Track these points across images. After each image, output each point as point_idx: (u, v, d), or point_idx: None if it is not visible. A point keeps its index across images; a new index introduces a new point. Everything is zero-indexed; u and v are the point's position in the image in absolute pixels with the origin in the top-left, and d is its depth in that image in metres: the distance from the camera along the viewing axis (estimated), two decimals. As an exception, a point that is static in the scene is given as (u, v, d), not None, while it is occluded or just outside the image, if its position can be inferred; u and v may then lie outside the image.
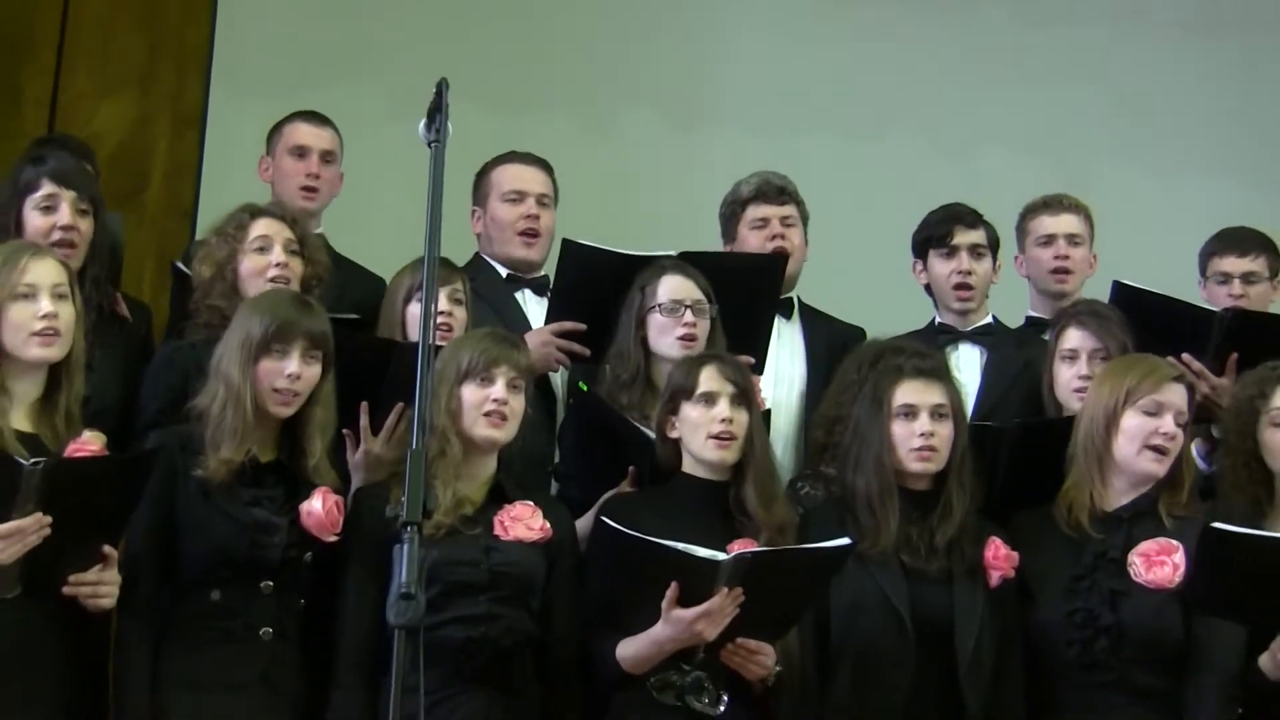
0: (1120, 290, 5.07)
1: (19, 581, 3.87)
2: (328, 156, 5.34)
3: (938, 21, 6.89)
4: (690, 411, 4.27)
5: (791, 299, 5.27)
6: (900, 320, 5.25)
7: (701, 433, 4.26)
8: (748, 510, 4.26)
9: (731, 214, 5.34)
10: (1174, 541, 4.27)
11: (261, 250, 4.63)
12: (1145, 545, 4.29)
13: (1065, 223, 5.46)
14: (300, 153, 5.32)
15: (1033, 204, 5.55)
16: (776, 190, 5.31)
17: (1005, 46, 6.93)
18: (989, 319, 5.38)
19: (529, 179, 5.26)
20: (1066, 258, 5.43)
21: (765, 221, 5.27)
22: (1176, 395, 4.36)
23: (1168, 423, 4.32)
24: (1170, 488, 4.37)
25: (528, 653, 4.16)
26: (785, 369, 5.16)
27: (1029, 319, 5.50)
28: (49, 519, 3.78)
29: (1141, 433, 4.33)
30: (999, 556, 4.35)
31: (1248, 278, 5.45)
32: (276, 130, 5.38)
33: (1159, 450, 4.32)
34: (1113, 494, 4.40)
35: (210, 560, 4.06)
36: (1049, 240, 5.45)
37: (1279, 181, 6.74)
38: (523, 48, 6.51)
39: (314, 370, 4.16)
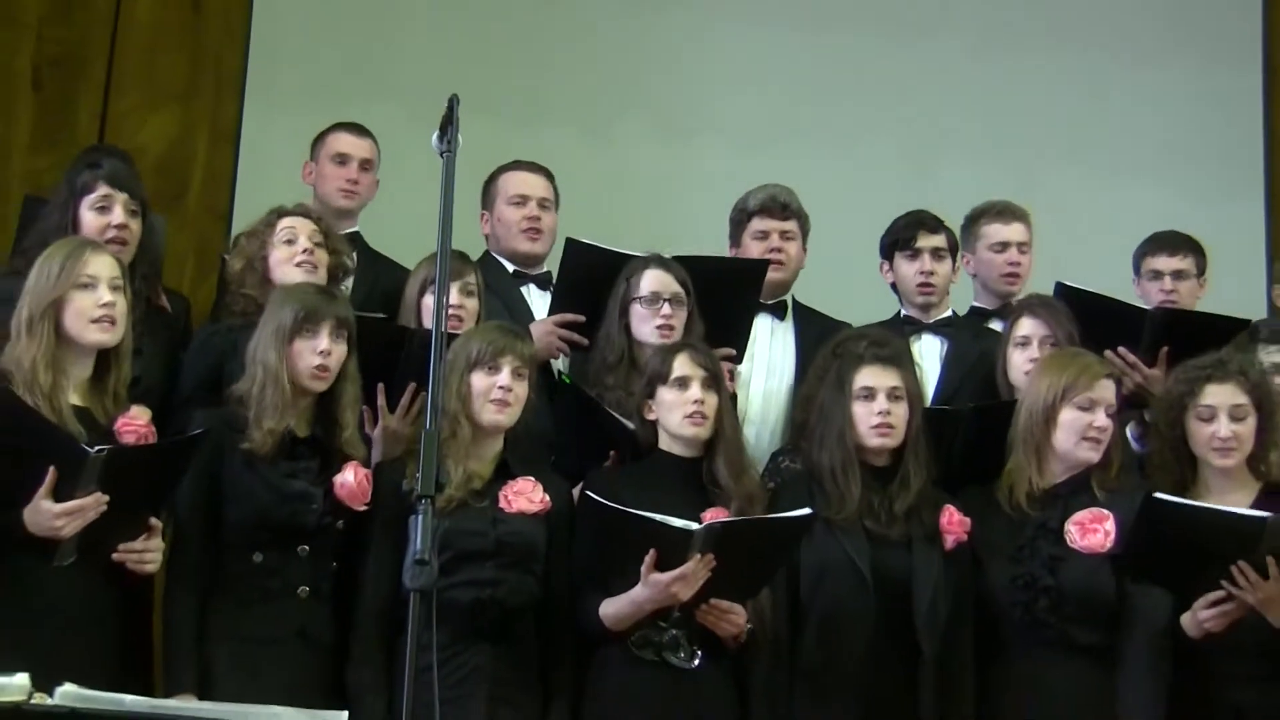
0: (1063, 290, 5.09)
1: (75, 550, 3.90)
2: (365, 164, 5.35)
3: (902, 47, 6.88)
4: (666, 394, 4.31)
5: (785, 301, 5.28)
6: (868, 314, 5.26)
7: (677, 413, 4.29)
8: (719, 482, 4.29)
9: (739, 221, 5.34)
10: (1105, 511, 4.32)
11: (289, 242, 4.64)
12: (1080, 515, 4.33)
13: (1017, 231, 5.47)
14: (342, 160, 5.32)
15: (983, 210, 5.55)
16: (780, 206, 5.30)
17: (961, 71, 6.90)
18: (949, 313, 5.39)
19: (532, 184, 5.27)
20: (1018, 264, 5.45)
21: (766, 234, 5.27)
22: (1108, 391, 4.42)
23: (1100, 416, 4.37)
24: (1101, 466, 4.40)
25: (529, 612, 4.17)
26: (778, 363, 5.17)
27: (973, 309, 5.52)
28: (106, 498, 3.82)
29: (1078, 426, 4.38)
30: (954, 522, 4.40)
31: (1177, 275, 5.49)
32: (320, 139, 5.39)
33: (1094, 440, 4.36)
34: (1050, 475, 4.44)
35: (253, 526, 4.09)
36: (1003, 247, 5.46)
37: (1205, 190, 6.75)
38: (525, 66, 6.50)
39: (342, 348, 4.21)
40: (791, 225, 5.31)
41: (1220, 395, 4.40)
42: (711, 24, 6.82)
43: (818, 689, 4.29)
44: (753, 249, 5.28)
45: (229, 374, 4.35)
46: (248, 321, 4.40)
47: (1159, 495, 4.22)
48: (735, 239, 5.36)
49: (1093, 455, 4.38)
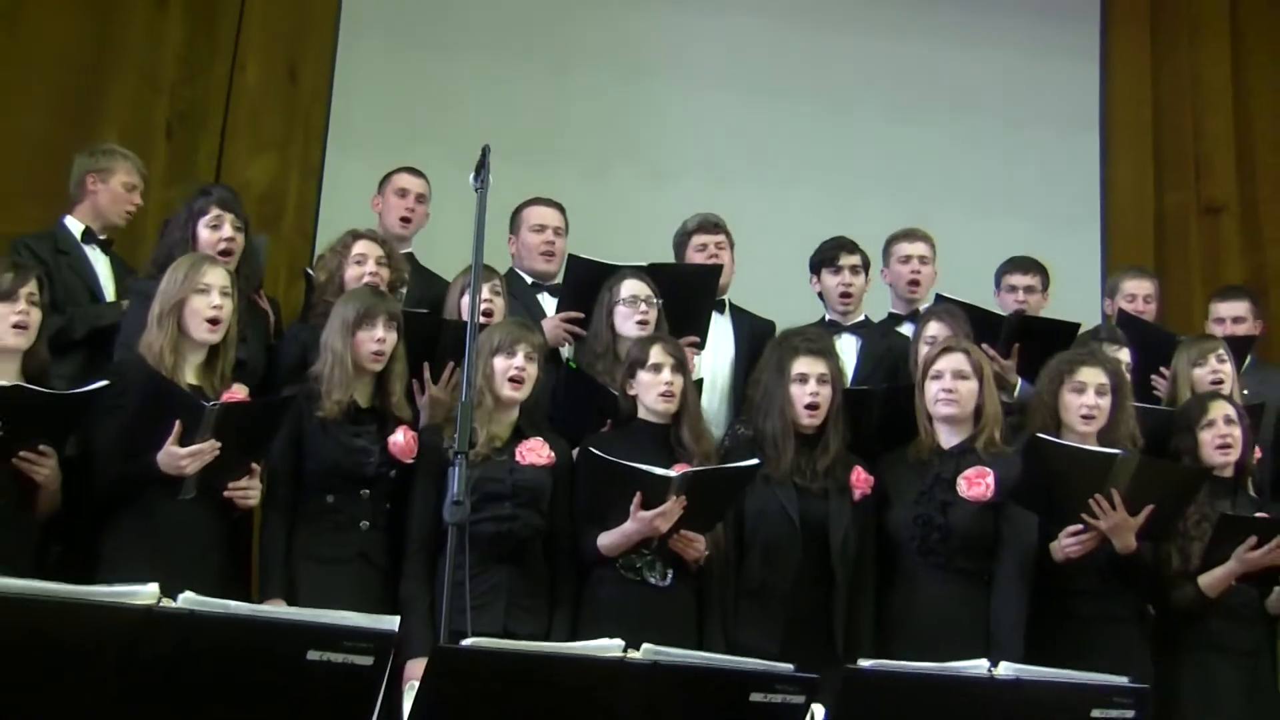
0: (940, 300, 5.12)
1: (195, 487, 3.92)
2: (421, 199, 5.32)
3: (830, 113, 6.87)
4: (644, 376, 4.32)
5: (724, 301, 5.25)
6: (801, 316, 5.22)
7: (652, 392, 4.30)
8: (684, 444, 4.30)
9: (681, 241, 5.32)
10: (988, 468, 4.32)
11: (359, 263, 4.67)
12: (968, 471, 4.33)
13: (918, 248, 5.46)
14: (402, 194, 5.29)
15: (895, 234, 5.54)
16: (712, 225, 5.29)
17: (873, 131, 6.90)
18: (863, 317, 5.37)
19: (549, 216, 5.24)
20: (919, 273, 5.43)
21: (705, 246, 5.25)
22: (951, 362, 4.42)
23: (947, 380, 4.38)
24: (982, 433, 4.40)
25: (538, 541, 4.18)
26: (721, 349, 5.13)
27: (890, 314, 5.49)
28: (219, 444, 3.84)
29: (932, 392, 4.41)
30: (861, 479, 4.41)
31: (1028, 289, 5.54)
32: (387, 177, 5.35)
33: (944, 400, 4.38)
34: (942, 438, 4.43)
35: (326, 474, 4.12)
36: (907, 260, 5.45)
37: (1053, 225, 6.77)
38: (542, 122, 6.47)
39: (393, 336, 4.22)
40: (722, 238, 5.28)
41: (1091, 375, 4.41)
42: (686, 92, 6.80)
43: (756, 604, 4.30)
44: (696, 259, 5.25)
45: (311, 361, 4.34)
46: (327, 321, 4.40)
47: (1041, 435, 4.29)
48: (679, 256, 5.33)
49: (945, 410, 4.39)
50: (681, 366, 4.35)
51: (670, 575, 4.17)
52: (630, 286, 4.70)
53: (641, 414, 4.34)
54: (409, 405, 4.35)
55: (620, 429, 4.39)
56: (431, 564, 4.06)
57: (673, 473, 4.03)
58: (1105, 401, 4.40)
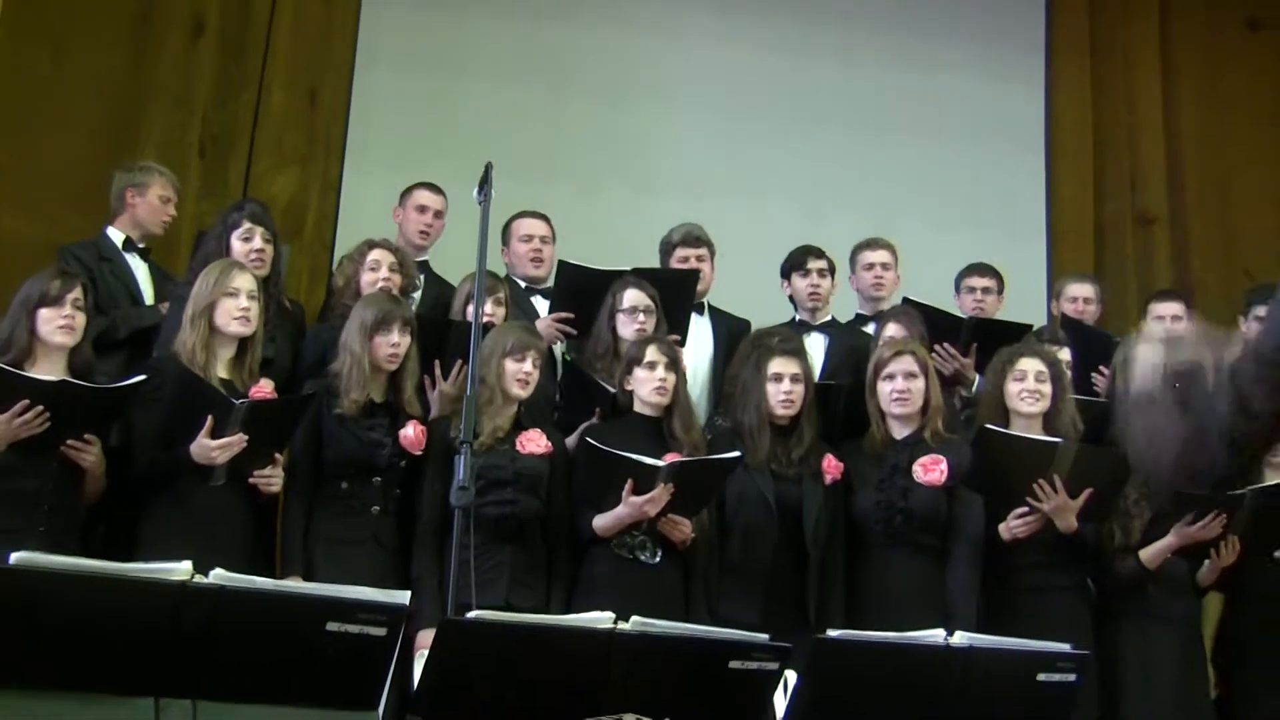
0: (907, 303, 5.09)
1: (224, 475, 3.93)
2: (438, 215, 5.26)
3: (802, 132, 6.83)
4: (640, 373, 4.30)
5: (704, 303, 5.22)
6: (773, 316, 5.22)
7: (647, 386, 4.28)
8: (675, 435, 4.28)
9: (666, 251, 5.28)
10: (940, 456, 4.32)
11: (374, 270, 4.65)
12: (923, 459, 4.32)
13: (881, 256, 5.41)
14: (421, 209, 5.23)
15: (860, 243, 5.49)
16: (694, 239, 5.24)
17: (842, 149, 6.88)
18: (829, 318, 5.33)
19: (536, 226, 5.20)
20: (881, 279, 5.39)
21: (687, 259, 5.21)
22: (902, 365, 4.40)
23: (899, 382, 4.37)
24: (929, 424, 4.39)
25: (538, 523, 4.16)
26: (701, 347, 5.09)
27: (858, 315, 5.45)
28: (246, 437, 3.85)
29: (885, 392, 4.40)
30: (831, 466, 4.39)
31: (985, 291, 5.50)
32: (409, 191, 5.30)
33: (898, 400, 4.38)
34: (895, 431, 4.43)
35: (342, 463, 4.09)
36: (871, 267, 5.41)
37: (1005, 235, 6.72)
38: (540, 143, 6.43)
39: (407, 339, 4.20)
40: (704, 251, 5.24)
41: (1029, 364, 4.41)
42: (671, 116, 6.77)
43: (737, 580, 4.28)
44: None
45: (330, 358, 4.33)
46: (345, 323, 4.38)
47: (989, 426, 4.28)
48: (664, 264, 5.29)
49: (899, 409, 4.38)
50: (675, 365, 4.33)
51: (660, 554, 4.15)
52: (631, 297, 4.67)
53: (637, 407, 4.32)
54: (419, 401, 4.32)
55: (618, 420, 4.37)
56: (440, 543, 4.03)
57: (661, 462, 4.02)
58: (1046, 388, 4.39)
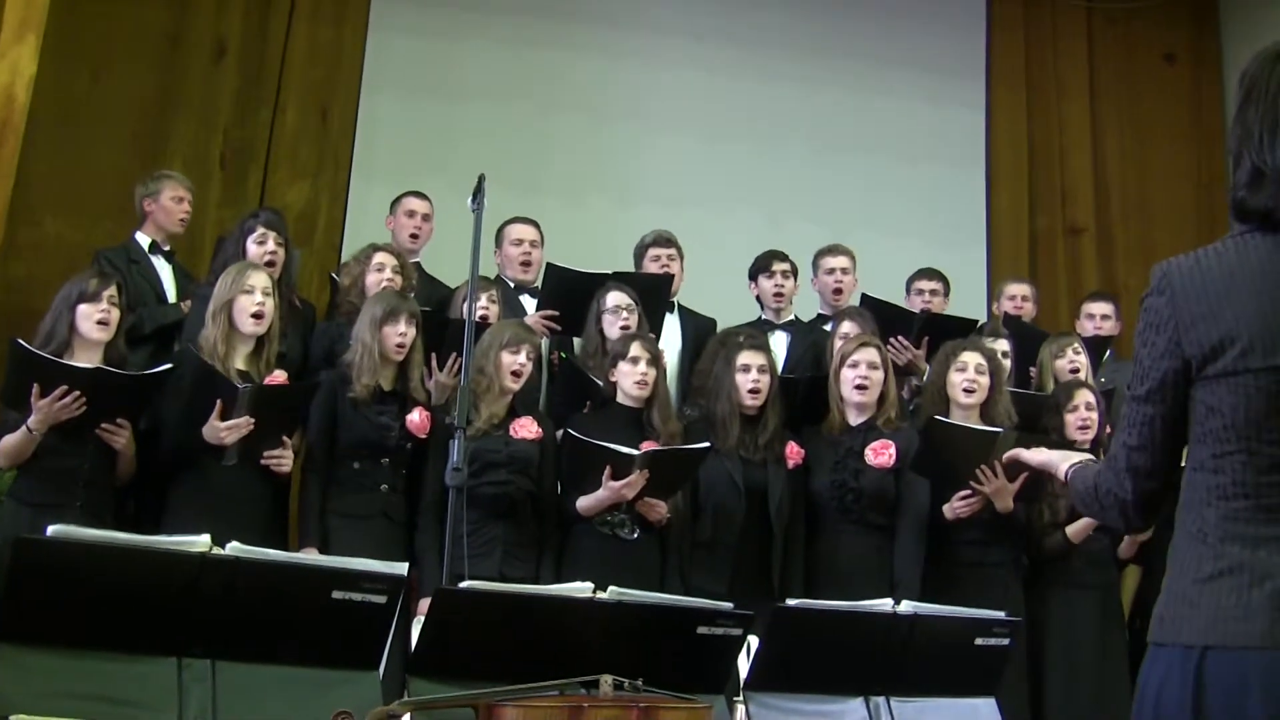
0: (866, 300, 5.10)
1: (236, 455, 3.92)
2: (426, 218, 5.22)
3: (765, 150, 6.82)
4: (624, 367, 4.28)
5: (674, 303, 5.21)
6: (741, 316, 5.22)
7: (630, 380, 4.27)
8: (654, 424, 4.28)
9: (640, 254, 5.27)
10: (889, 441, 4.32)
11: (378, 270, 4.64)
12: (874, 444, 4.32)
13: (840, 261, 5.39)
14: (410, 215, 5.19)
15: (821, 249, 5.47)
16: (665, 240, 5.24)
17: (802, 164, 6.87)
18: (792, 317, 5.33)
19: (525, 231, 5.17)
20: (841, 283, 5.37)
21: (659, 258, 5.20)
22: (866, 355, 4.40)
23: (863, 370, 4.37)
24: (884, 413, 4.40)
25: (529, 502, 4.14)
26: (671, 343, 5.07)
27: (819, 315, 5.44)
28: (253, 419, 3.85)
29: (850, 378, 4.39)
30: (793, 451, 4.39)
31: (933, 292, 5.51)
32: (398, 200, 5.27)
33: (859, 388, 4.37)
34: (851, 417, 4.42)
35: (354, 445, 4.08)
36: (832, 271, 5.40)
37: (949, 243, 6.72)
38: (530, 156, 6.40)
39: (413, 331, 4.19)
40: (674, 251, 5.23)
41: (970, 357, 4.41)
42: (647, 135, 6.75)
43: (708, 554, 4.29)
44: (652, 268, 5.20)
45: (338, 352, 4.33)
46: (351, 319, 4.39)
47: (937, 418, 4.29)
48: (638, 264, 5.28)
49: (861, 398, 4.37)
50: (656, 361, 4.32)
51: (638, 531, 4.15)
52: (615, 298, 4.66)
53: (620, 398, 4.30)
54: (424, 389, 4.31)
55: (601, 410, 4.36)
56: (441, 520, 3.93)
57: (636, 451, 4.02)
58: (984, 380, 4.38)
